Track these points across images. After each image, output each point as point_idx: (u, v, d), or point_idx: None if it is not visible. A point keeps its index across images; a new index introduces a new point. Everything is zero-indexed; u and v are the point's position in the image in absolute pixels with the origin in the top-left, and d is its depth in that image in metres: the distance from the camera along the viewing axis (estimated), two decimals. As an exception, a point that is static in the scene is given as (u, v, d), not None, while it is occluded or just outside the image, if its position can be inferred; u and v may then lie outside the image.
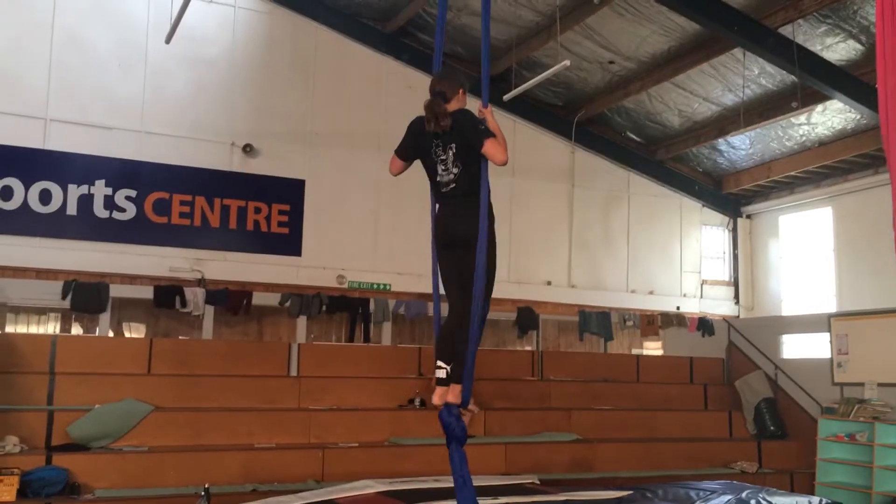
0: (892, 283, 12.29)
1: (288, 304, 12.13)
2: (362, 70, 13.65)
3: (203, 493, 6.09)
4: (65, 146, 11.62)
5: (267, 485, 8.41)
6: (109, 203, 11.78)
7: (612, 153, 15.43)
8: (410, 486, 7.54)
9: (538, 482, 8.33)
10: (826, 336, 12.00)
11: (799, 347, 12.96)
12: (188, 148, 12.35)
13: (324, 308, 12.30)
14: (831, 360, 11.82)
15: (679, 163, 15.90)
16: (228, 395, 9.71)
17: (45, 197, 11.45)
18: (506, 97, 12.32)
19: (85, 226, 11.61)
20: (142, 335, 11.89)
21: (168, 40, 10.93)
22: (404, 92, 13.85)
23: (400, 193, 13.40)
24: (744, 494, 8.44)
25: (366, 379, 10.78)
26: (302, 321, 12.40)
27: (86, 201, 11.66)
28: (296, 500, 7.00)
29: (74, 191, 11.61)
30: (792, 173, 14.65)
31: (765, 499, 8.28)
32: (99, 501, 7.60)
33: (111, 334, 11.38)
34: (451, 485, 7.63)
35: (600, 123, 15.31)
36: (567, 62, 10.79)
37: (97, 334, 11.28)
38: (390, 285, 13.15)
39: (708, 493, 8.51)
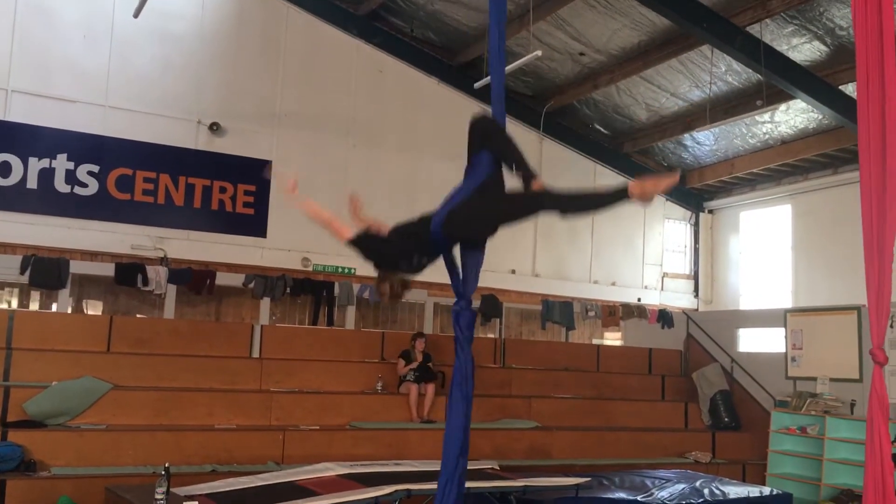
0: (846, 281, 12.60)
1: (252, 285, 12.07)
2: (332, 52, 13.54)
3: (163, 473, 6.05)
4: (26, 118, 11.37)
5: (226, 466, 8.40)
6: (71, 177, 11.58)
7: (580, 144, 15.53)
8: (371, 469, 7.58)
9: (497, 468, 8.41)
10: (781, 331, 12.27)
11: (755, 341, 13.23)
12: (153, 124, 12.17)
13: (288, 290, 12.26)
14: (786, 354, 12.09)
15: (644, 156, 16.07)
16: (189, 374, 9.65)
17: (5, 169, 11.20)
18: (476, 85, 12.33)
19: (45, 200, 11.38)
20: (100, 312, 11.73)
21: (136, 14, 10.74)
22: (374, 75, 13.80)
23: (367, 177, 13.37)
24: (697, 483, 8.65)
25: (328, 362, 10.78)
26: (265, 303, 12.36)
27: (47, 175, 11.44)
28: (255, 481, 7.00)
29: (35, 164, 11.37)
30: (754, 170, 14.89)
31: (717, 488, 8.50)
32: (55, 479, 7.53)
33: (70, 311, 11.23)
34: (411, 469, 7.73)
35: (569, 114, 15.39)
36: (539, 52, 10.82)
37: (56, 310, 11.12)
38: (355, 269, 13.13)
39: (663, 481, 8.70)
